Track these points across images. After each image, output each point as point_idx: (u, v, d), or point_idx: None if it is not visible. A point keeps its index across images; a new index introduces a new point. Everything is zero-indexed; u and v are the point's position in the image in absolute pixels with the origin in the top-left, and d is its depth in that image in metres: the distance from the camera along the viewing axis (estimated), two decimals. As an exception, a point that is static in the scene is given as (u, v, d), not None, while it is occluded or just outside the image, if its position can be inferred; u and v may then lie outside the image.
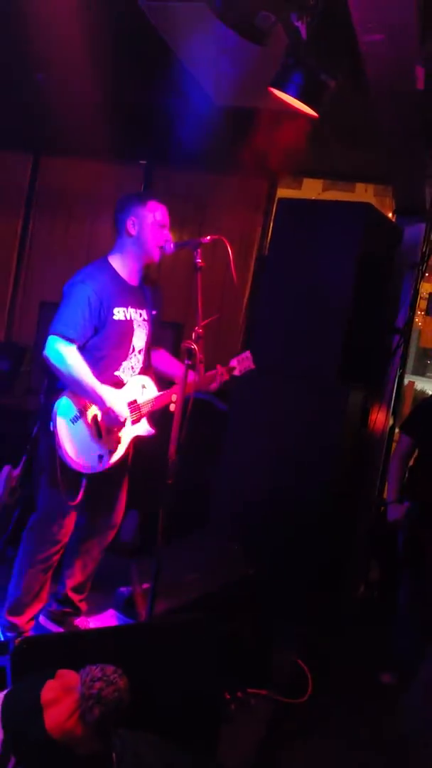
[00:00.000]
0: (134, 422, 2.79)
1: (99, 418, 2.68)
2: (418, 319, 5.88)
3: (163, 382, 2.90)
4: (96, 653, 1.87)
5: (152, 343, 2.91)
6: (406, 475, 3.37)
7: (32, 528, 2.82)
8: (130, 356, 2.80)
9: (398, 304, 4.16)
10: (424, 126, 3.11)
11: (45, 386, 2.75)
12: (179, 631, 2.30)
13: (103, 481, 2.80)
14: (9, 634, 2.80)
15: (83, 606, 3.02)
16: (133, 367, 2.82)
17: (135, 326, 2.79)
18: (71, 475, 2.67)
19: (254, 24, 2.24)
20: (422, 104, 2.84)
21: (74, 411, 2.65)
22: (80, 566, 2.96)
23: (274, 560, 3.25)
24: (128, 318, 2.76)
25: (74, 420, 2.65)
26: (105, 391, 2.66)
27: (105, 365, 2.72)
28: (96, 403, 2.65)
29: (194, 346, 2.41)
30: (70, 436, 2.63)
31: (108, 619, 2.96)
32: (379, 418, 4.10)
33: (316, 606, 3.37)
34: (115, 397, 2.70)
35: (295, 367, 3.53)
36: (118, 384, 2.77)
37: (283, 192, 4.84)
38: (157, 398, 2.81)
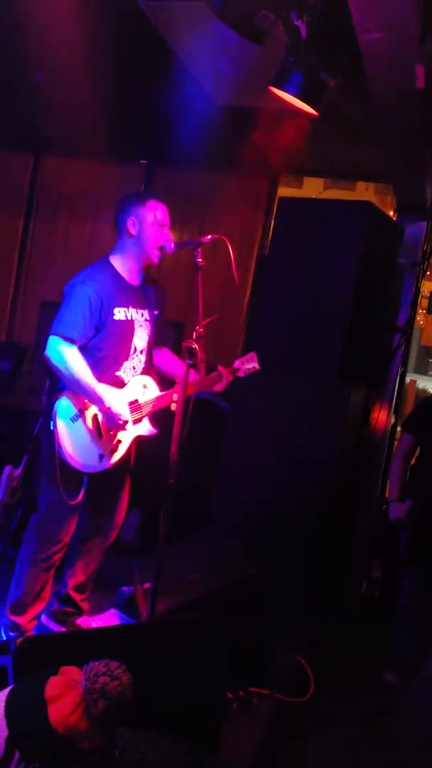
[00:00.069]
0: (136, 422, 2.79)
1: (99, 418, 2.69)
2: (420, 318, 5.89)
3: (166, 381, 2.90)
4: (97, 653, 1.87)
5: (155, 342, 2.91)
6: (408, 474, 3.37)
7: (33, 527, 2.83)
8: (131, 356, 2.80)
9: (399, 303, 4.15)
10: (425, 124, 3.11)
11: (47, 387, 2.76)
12: (181, 631, 2.31)
13: (105, 481, 2.81)
14: (11, 634, 2.80)
15: (85, 605, 3.02)
16: (134, 367, 2.82)
17: (136, 326, 2.79)
18: (72, 475, 2.67)
19: (254, 23, 2.24)
20: (422, 103, 2.84)
21: (74, 411, 2.66)
22: (82, 566, 2.96)
23: (276, 559, 3.25)
24: (129, 318, 2.76)
25: (74, 419, 2.65)
26: (105, 391, 2.66)
27: (106, 365, 2.72)
28: (95, 403, 2.66)
29: (195, 346, 2.41)
30: (70, 435, 2.64)
31: (110, 618, 2.97)
32: (381, 417, 4.10)
33: (317, 605, 3.37)
34: (116, 397, 2.70)
35: (296, 366, 3.53)
36: (120, 384, 2.77)
37: (283, 191, 4.84)
38: (158, 398, 2.82)
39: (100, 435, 2.71)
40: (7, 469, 3.43)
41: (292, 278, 3.62)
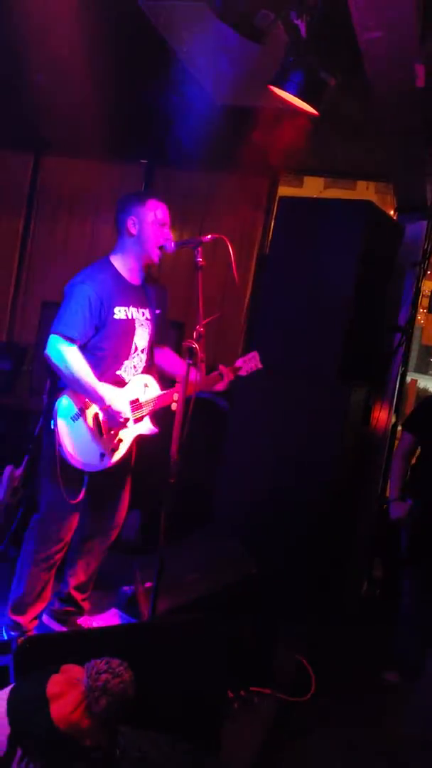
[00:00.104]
0: (137, 421, 2.79)
1: (100, 416, 2.69)
2: (420, 317, 5.89)
3: (167, 380, 2.90)
4: (99, 652, 1.87)
5: (157, 341, 2.91)
6: (409, 473, 3.37)
7: (34, 527, 2.83)
8: (132, 355, 2.80)
9: (400, 302, 4.15)
10: (425, 124, 3.11)
11: (48, 386, 2.76)
12: (182, 631, 2.31)
13: (106, 480, 2.81)
14: (12, 633, 2.81)
15: (86, 605, 3.02)
16: (135, 366, 2.82)
17: (137, 325, 2.79)
18: (73, 473, 2.67)
19: (254, 23, 2.24)
20: (423, 102, 2.84)
21: (75, 410, 2.66)
22: (83, 565, 2.97)
23: (276, 559, 3.25)
24: (129, 317, 2.77)
25: (75, 418, 2.66)
26: (105, 390, 2.66)
27: (107, 364, 2.73)
28: (96, 402, 2.66)
29: (195, 345, 2.41)
30: (71, 434, 2.64)
31: (111, 618, 2.98)
32: (381, 416, 4.10)
33: (318, 604, 3.37)
34: (116, 395, 2.71)
35: (297, 365, 3.53)
36: (121, 383, 2.77)
37: (284, 190, 4.83)
38: (159, 397, 2.82)
39: (101, 434, 2.71)
40: (8, 469, 3.44)
41: (293, 278, 3.62)
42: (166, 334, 2.98)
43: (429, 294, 4.65)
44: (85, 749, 1.68)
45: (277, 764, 2.49)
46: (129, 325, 2.76)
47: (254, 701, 2.64)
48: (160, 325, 2.90)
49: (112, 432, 2.73)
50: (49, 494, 2.77)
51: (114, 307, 2.70)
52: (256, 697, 2.66)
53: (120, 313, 2.73)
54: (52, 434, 2.63)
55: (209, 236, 2.59)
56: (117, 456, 2.77)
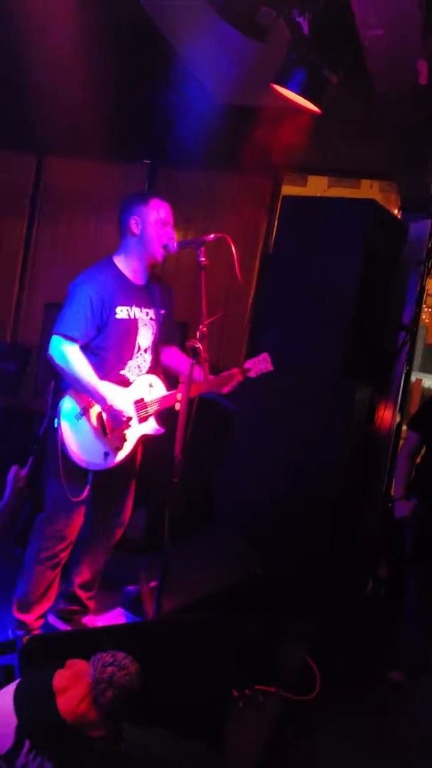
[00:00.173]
0: (141, 420, 2.79)
1: (103, 416, 2.70)
2: (425, 316, 5.86)
3: (173, 380, 2.90)
4: (103, 651, 1.88)
5: (163, 341, 2.91)
6: (414, 472, 3.36)
7: (39, 526, 2.84)
8: (135, 355, 2.81)
9: (404, 301, 4.14)
10: (428, 121, 3.10)
11: (52, 386, 2.77)
12: (187, 630, 2.31)
13: (111, 479, 2.81)
14: (18, 632, 2.81)
15: (91, 604, 3.03)
16: (139, 366, 2.83)
17: (140, 325, 2.79)
18: (77, 472, 2.68)
19: (255, 20, 2.24)
20: (426, 99, 2.83)
21: (77, 409, 2.67)
22: (87, 564, 2.97)
23: (281, 558, 3.24)
24: (132, 317, 2.77)
25: (78, 417, 2.67)
26: (107, 390, 2.67)
27: (110, 364, 2.73)
28: (98, 402, 2.67)
29: (199, 345, 2.42)
30: (74, 433, 2.66)
31: (116, 617, 2.98)
32: (386, 416, 4.09)
33: (323, 604, 3.37)
34: (119, 395, 2.71)
35: (301, 364, 3.52)
36: (125, 383, 2.78)
37: (287, 189, 4.83)
38: (164, 397, 2.82)
39: (104, 433, 2.71)
40: (14, 469, 3.44)
41: (296, 277, 3.62)
42: (173, 333, 2.98)
43: (433, 293, 4.64)
44: (92, 741, 1.71)
45: (282, 763, 2.48)
46: (131, 325, 2.76)
47: (259, 700, 2.64)
48: (166, 325, 2.90)
49: (116, 431, 2.73)
50: (53, 493, 2.77)
51: (115, 307, 2.71)
52: (260, 695, 2.66)
53: (122, 312, 2.73)
54: (55, 433, 2.64)
55: (212, 236, 2.59)
56: (121, 455, 2.77)
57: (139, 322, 2.79)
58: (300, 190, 5.03)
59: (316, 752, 2.61)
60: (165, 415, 2.84)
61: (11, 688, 1.79)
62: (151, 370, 2.87)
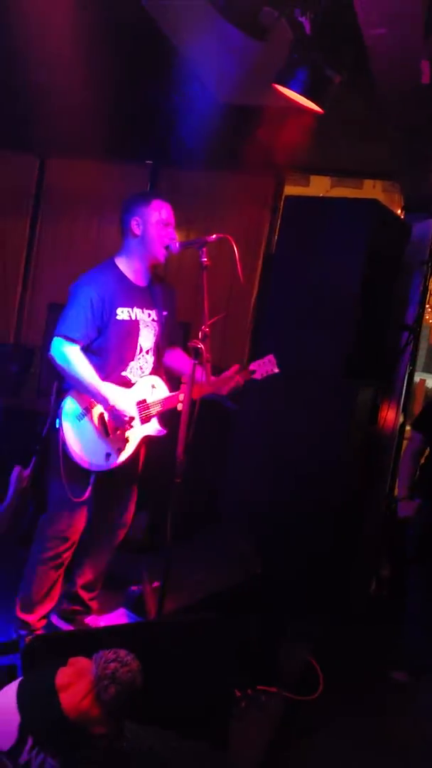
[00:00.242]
0: (143, 421, 2.79)
1: (105, 416, 2.70)
2: (428, 316, 5.85)
3: (176, 381, 2.89)
4: (106, 651, 1.88)
5: (166, 342, 2.90)
6: (418, 473, 3.36)
7: (42, 526, 2.84)
8: (137, 356, 2.81)
9: (407, 301, 4.13)
10: (431, 121, 3.09)
11: (55, 387, 2.78)
12: (189, 630, 2.31)
13: (113, 480, 2.81)
14: (21, 632, 2.81)
15: (94, 605, 3.03)
16: (141, 368, 2.83)
17: (141, 326, 2.79)
18: (79, 473, 2.69)
19: (257, 20, 2.24)
20: (429, 99, 2.83)
21: (79, 409, 2.68)
22: (90, 565, 2.97)
23: (283, 558, 3.24)
24: (133, 318, 2.77)
25: (80, 418, 2.67)
26: (109, 390, 2.68)
27: (112, 366, 2.73)
28: (100, 402, 2.67)
29: (201, 345, 2.42)
30: (76, 433, 2.66)
31: (118, 617, 2.98)
32: (389, 416, 4.08)
33: (325, 604, 3.36)
34: (121, 395, 2.71)
35: (304, 365, 3.51)
36: (127, 384, 2.78)
37: (290, 189, 4.81)
38: (166, 399, 2.82)
39: (107, 433, 2.72)
40: (17, 469, 3.44)
41: (299, 277, 3.61)
42: (176, 334, 2.98)
43: (437, 293, 4.63)
44: (95, 738, 1.71)
45: (284, 763, 2.48)
46: (132, 326, 2.77)
47: (261, 700, 2.64)
48: (168, 326, 2.90)
49: (118, 432, 2.73)
50: (55, 493, 2.78)
51: (116, 308, 2.71)
52: (263, 695, 2.66)
53: (123, 314, 2.73)
54: (57, 433, 2.64)
55: (214, 236, 2.59)
56: (123, 456, 2.77)
57: (141, 323, 2.79)
58: (302, 190, 5.02)
59: (318, 752, 2.60)
60: (167, 416, 2.84)
61: (14, 685, 1.80)
62: (154, 372, 2.87)
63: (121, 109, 3.80)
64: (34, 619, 2.83)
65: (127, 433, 2.75)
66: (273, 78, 2.60)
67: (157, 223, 2.72)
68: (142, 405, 2.79)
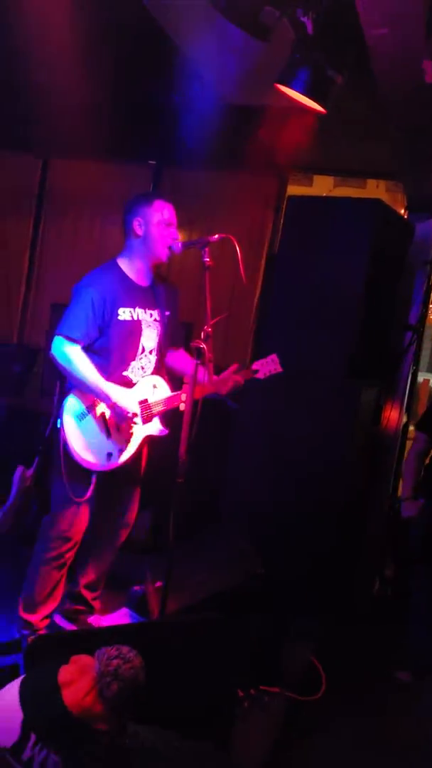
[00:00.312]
0: (145, 421, 2.80)
1: (107, 415, 2.71)
2: (432, 316, 5.82)
3: (178, 381, 2.90)
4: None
5: (169, 343, 2.91)
6: (422, 473, 3.35)
7: (45, 526, 2.84)
8: (139, 356, 2.81)
9: (411, 301, 4.12)
10: (434, 120, 3.09)
11: (58, 387, 2.78)
12: (192, 630, 2.31)
13: (115, 480, 2.82)
14: (24, 632, 2.82)
15: (96, 604, 3.03)
16: (143, 368, 2.83)
17: (143, 326, 2.80)
18: (81, 472, 2.69)
19: (259, 20, 2.24)
20: (431, 99, 2.82)
21: (82, 408, 2.68)
22: (93, 564, 2.98)
23: (286, 558, 3.24)
24: (135, 318, 2.77)
25: (82, 417, 2.68)
26: (110, 388, 2.68)
27: (113, 365, 2.74)
28: (102, 400, 2.68)
29: (203, 345, 2.42)
30: (78, 433, 2.67)
31: (121, 617, 2.98)
32: (392, 416, 4.07)
33: (328, 604, 3.36)
34: (122, 394, 2.72)
35: (306, 365, 3.51)
36: (128, 384, 2.78)
37: (293, 189, 4.81)
38: (168, 398, 2.82)
39: (108, 433, 2.72)
40: (20, 469, 3.45)
41: (302, 277, 3.61)
42: (178, 334, 2.98)
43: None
44: (97, 734, 1.72)
45: (287, 763, 2.48)
46: (134, 326, 2.77)
47: (264, 700, 2.64)
48: (171, 326, 2.90)
49: (120, 431, 2.73)
50: (58, 493, 2.78)
51: (118, 308, 2.72)
52: (266, 696, 2.66)
53: (124, 314, 2.74)
54: (58, 433, 2.65)
55: (216, 236, 2.59)
56: (125, 456, 2.77)
57: (143, 323, 2.80)
58: (305, 189, 5.02)
59: (321, 753, 2.60)
60: (169, 416, 2.84)
61: (17, 682, 1.81)
62: (155, 371, 2.87)
63: (123, 109, 3.80)
64: (37, 618, 2.83)
65: (129, 433, 2.75)
66: (275, 78, 2.60)
67: (159, 223, 2.73)
68: (144, 404, 2.79)
